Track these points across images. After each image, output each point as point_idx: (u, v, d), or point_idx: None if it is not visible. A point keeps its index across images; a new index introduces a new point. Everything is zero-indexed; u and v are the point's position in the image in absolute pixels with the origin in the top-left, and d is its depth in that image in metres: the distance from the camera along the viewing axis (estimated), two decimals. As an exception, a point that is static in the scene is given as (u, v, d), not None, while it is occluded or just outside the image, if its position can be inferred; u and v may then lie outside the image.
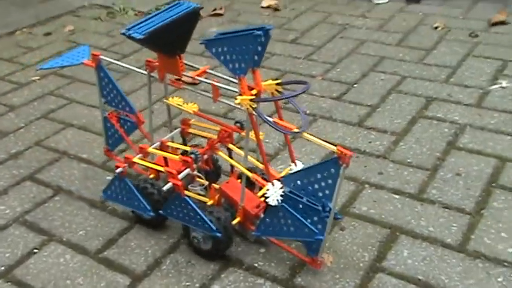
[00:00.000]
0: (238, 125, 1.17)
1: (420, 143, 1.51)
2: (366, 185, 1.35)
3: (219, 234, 1.06)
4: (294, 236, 1.07)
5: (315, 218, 1.06)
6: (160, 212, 1.14)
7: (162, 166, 1.12)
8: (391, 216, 1.24)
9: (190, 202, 1.07)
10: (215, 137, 1.19)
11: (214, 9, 2.63)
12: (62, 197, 1.38)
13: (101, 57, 1.26)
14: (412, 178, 1.37)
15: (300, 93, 0.95)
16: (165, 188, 1.07)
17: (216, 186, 1.16)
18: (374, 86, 1.83)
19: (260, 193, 1.09)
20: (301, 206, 1.07)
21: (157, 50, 1.06)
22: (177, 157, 1.10)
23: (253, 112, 0.99)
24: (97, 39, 2.39)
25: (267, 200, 1.04)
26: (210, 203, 1.16)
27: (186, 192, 1.25)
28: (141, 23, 1.04)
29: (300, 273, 1.12)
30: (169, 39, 1.05)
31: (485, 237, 1.17)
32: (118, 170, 1.14)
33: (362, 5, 2.60)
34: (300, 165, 1.12)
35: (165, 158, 1.19)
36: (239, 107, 1.01)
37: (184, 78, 1.12)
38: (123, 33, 1.04)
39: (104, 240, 1.23)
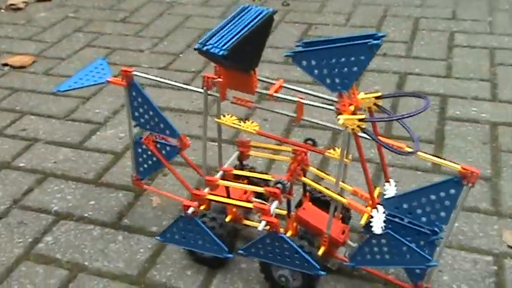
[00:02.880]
0: (310, 142, 1.04)
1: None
2: (188, 138, 1.32)
3: (323, 273, 0.93)
4: (400, 264, 0.96)
5: (422, 242, 0.96)
6: (240, 252, 0.98)
7: (251, 202, 0.97)
8: (209, 160, 1.32)
9: (289, 240, 0.92)
10: (283, 158, 1.05)
11: None
12: None
13: (135, 73, 1.07)
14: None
15: (421, 111, 0.83)
16: (260, 227, 0.92)
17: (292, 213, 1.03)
18: (198, 55, 1.94)
19: (362, 221, 0.96)
20: (404, 230, 0.96)
21: (236, 66, 0.90)
22: (262, 189, 0.95)
23: (360, 133, 0.87)
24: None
25: (372, 229, 0.92)
26: (289, 234, 1.02)
27: (247, 222, 1.11)
28: (214, 35, 0.87)
29: (126, 215, 1.24)
30: (248, 53, 0.89)
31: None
32: (190, 211, 0.97)
33: (190, -17, 2.76)
34: (393, 184, 1.00)
35: (227, 189, 1.03)
36: (339, 128, 0.87)
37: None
38: (198, 49, 0.86)
39: None
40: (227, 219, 1.07)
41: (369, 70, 1.81)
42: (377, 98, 0.90)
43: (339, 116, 0.86)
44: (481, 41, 2.00)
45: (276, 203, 0.94)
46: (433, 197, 0.90)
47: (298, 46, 0.88)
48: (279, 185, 0.94)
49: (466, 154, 1.39)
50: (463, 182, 0.86)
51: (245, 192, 1.09)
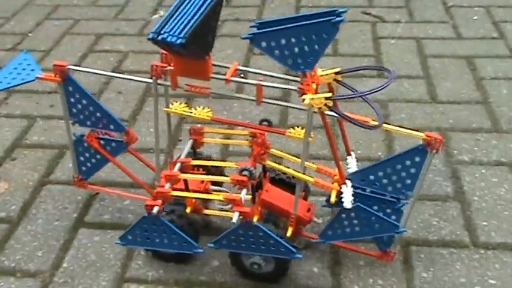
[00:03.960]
0: (265, 123, 1.01)
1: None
2: (38, 119, 1.48)
3: (300, 256, 0.92)
4: (370, 235, 0.98)
5: (388, 210, 0.98)
6: (211, 245, 0.95)
7: (216, 193, 0.92)
8: (60, 138, 1.39)
9: (264, 228, 0.90)
10: (241, 143, 1.02)
11: None
12: None
13: (70, 67, 0.98)
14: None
15: (387, 85, 0.83)
16: (234, 219, 0.88)
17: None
18: (48, 32, 1.95)
19: (332, 198, 0.96)
20: (370, 200, 0.97)
21: (194, 53, 0.84)
22: (227, 179, 0.91)
23: (327, 112, 0.85)
24: None
25: (343, 205, 0.92)
26: (255, 219, 0.99)
27: (207, 211, 1.07)
28: (167, 23, 0.81)
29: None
30: (204, 37, 0.83)
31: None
32: (155, 210, 0.91)
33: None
34: (353, 156, 1.01)
35: (185, 181, 0.98)
36: (302, 107, 0.86)
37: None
38: (152, 39, 0.80)
39: None
40: (187, 211, 1.03)
41: (223, 35, 1.87)
42: (337, 73, 0.89)
43: (304, 96, 0.84)
44: (325, 1, 2.07)
45: (244, 191, 0.91)
46: (398, 166, 0.92)
47: (253, 27, 0.84)
48: (245, 172, 0.91)
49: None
50: (427, 149, 0.88)
51: (202, 181, 1.05)
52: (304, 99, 0.83)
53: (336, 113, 0.85)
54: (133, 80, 0.97)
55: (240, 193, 0.91)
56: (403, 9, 1.99)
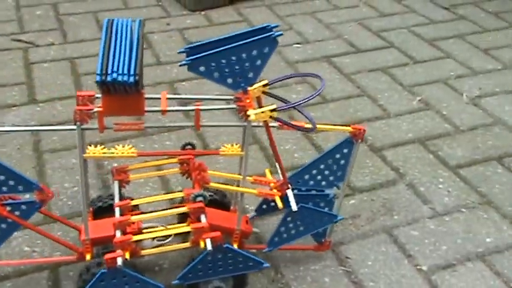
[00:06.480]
0: (189, 147, 0.99)
1: None
2: None
3: (268, 265, 0.93)
4: (313, 230, 1.03)
5: (322, 204, 1.05)
6: (176, 282, 0.90)
7: (183, 226, 0.87)
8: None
9: (233, 247, 0.89)
10: (171, 171, 0.99)
11: None
12: None
13: (-38, 130, 0.83)
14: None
15: (319, 92, 0.88)
16: (208, 247, 0.85)
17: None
18: None
19: (280, 205, 0.98)
20: (306, 199, 1.03)
21: (138, 89, 0.78)
22: (185, 209, 0.87)
23: (273, 123, 0.88)
24: None
25: (291, 208, 0.96)
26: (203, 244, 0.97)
27: (144, 251, 1.01)
28: (108, 62, 0.74)
29: None
30: (141, 70, 0.79)
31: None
32: (119, 262, 0.83)
33: None
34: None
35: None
36: (240, 124, 0.88)
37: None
38: (101, 81, 0.72)
39: None
40: (127, 256, 0.96)
41: None
42: (264, 85, 0.92)
43: (249, 112, 0.85)
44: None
45: (203, 216, 0.89)
46: (330, 161, 0.99)
47: (182, 52, 0.83)
48: (200, 198, 0.89)
49: None
50: (354, 140, 0.97)
51: (133, 222, 0.99)
52: (248, 115, 0.85)
53: (281, 122, 0.89)
54: (53, 130, 0.86)
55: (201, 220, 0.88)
56: (56, 32, 1.96)
